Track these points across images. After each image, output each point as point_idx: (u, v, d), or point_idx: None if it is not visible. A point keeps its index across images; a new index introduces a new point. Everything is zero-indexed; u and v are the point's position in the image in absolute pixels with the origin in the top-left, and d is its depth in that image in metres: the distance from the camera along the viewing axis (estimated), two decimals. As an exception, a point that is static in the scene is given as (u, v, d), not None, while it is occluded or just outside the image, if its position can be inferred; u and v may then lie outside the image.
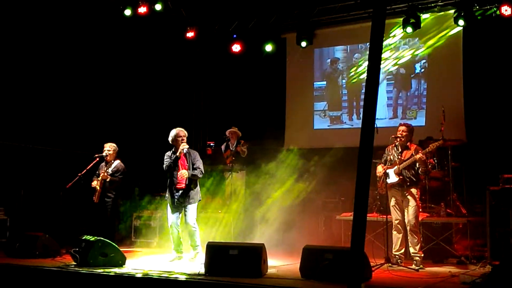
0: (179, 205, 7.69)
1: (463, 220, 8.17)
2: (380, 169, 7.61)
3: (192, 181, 7.69)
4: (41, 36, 10.34)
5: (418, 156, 7.21)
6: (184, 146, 7.68)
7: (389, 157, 7.60)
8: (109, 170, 8.57)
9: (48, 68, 10.50)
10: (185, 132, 7.86)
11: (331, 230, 9.32)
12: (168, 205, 7.78)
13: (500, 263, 5.69)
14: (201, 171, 7.81)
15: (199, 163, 7.82)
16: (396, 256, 7.34)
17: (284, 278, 6.25)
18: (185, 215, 7.70)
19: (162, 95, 12.23)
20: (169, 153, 7.82)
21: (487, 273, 5.98)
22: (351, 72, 11.32)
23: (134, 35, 11.43)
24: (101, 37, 11.10)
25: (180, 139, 7.73)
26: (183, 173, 7.60)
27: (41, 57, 10.40)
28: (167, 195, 7.81)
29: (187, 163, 7.70)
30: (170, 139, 7.80)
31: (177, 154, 7.68)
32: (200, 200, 7.95)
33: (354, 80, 11.26)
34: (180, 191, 7.66)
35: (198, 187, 7.85)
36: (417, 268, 7.07)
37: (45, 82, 10.51)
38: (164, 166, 7.74)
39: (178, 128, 7.85)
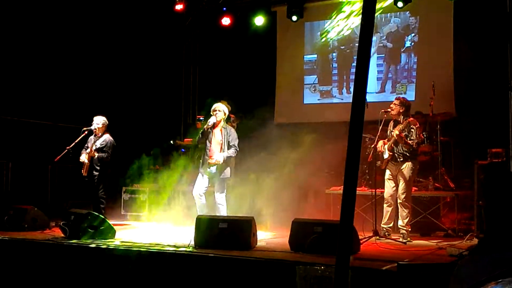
0: (210, 177, 7.72)
1: (450, 194, 8.26)
2: (380, 143, 7.58)
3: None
4: (28, 9, 10.14)
5: (395, 133, 7.22)
6: (212, 120, 7.73)
7: (388, 132, 7.61)
8: (97, 144, 8.49)
9: (37, 41, 10.32)
10: (216, 106, 7.88)
11: (320, 204, 9.38)
12: (200, 173, 7.78)
13: (485, 236, 5.76)
14: (236, 149, 7.84)
15: (235, 141, 7.85)
16: (384, 229, 7.41)
17: (273, 251, 6.29)
18: (214, 188, 7.77)
19: (151, 68, 12.09)
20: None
21: (474, 245, 6.06)
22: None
23: (122, 7, 11.24)
24: (89, 10, 10.91)
25: (213, 112, 7.81)
26: (218, 160, 7.61)
27: (29, 30, 10.22)
28: (200, 165, 7.83)
29: (222, 139, 7.74)
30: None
31: (205, 127, 7.73)
32: (229, 177, 7.90)
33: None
34: (212, 166, 7.70)
35: (230, 165, 7.83)
36: (404, 241, 7.15)
37: (34, 54, 10.34)
38: (197, 140, 7.84)
39: (217, 103, 7.96)
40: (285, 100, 11.69)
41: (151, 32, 11.85)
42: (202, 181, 7.71)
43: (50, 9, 10.41)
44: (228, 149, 7.73)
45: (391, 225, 7.47)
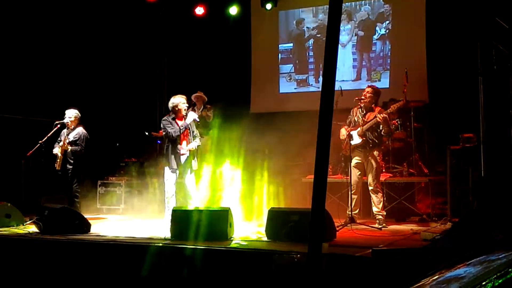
0: (182, 171, 7.55)
1: (425, 179, 8.37)
2: (343, 131, 7.65)
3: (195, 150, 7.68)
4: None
5: (381, 116, 7.27)
6: (194, 116, 7.63)
7: (353, 119, 7.66)
8: (70, 137, 8.37)
9: (3, 32, 10.09)
10: (182, 100, 7.71)
11: (298, 193, 9.41)
12: (171, 170, 7.51)
13: (459, 220, 5.85)
14: (199, 137, 7.83)
15: (196, 130, 7.80)
16: (351, 216, 7.42)
17: (250, 241, 6.32)
18: (185, 181, 7.61)
19: (124, 59, 11.94)
20: (169, 118, 7.59)
21: (447, 230, 6.16)
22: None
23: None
24: (60, 0, 10.71)
25: (185, 106, 7.64)
26: (191, 147, 7.54)
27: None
28: (171, 161, 7.50)
29: (189, 130, 7.64)
30: (171, 105, 7.65)
31: (188, 122, 7.56)
32: (196, 169, 7.77)
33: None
34: (182, 158, 7.53)
35: (197, 156, 7.77)
36: (380, 226, 7.22)
37: (1, 46, 10.12)
38: (173, 133, 7.42)
39: (180, 96, 7.73)
40: (260, 89, 11.66)
41: (124, 22, 11.69)
42: (175, 178, 7.56)
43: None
44: (193, 139, 7.66)
45: (357, 211, 7.53)
